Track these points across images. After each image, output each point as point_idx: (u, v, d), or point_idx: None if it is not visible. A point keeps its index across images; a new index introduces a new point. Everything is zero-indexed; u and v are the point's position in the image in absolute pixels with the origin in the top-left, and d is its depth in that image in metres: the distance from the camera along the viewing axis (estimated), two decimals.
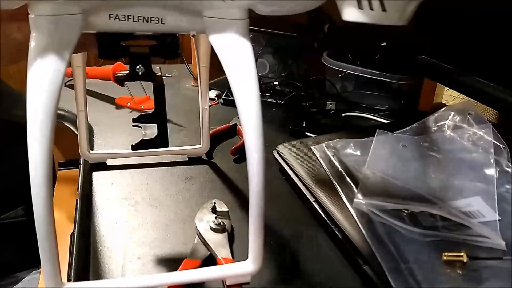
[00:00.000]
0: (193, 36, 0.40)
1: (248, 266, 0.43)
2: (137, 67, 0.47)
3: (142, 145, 0.57)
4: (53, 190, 1.11)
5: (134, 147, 0.58)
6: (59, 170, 1.11)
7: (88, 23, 0.36)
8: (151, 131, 0.57)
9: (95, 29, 0.39)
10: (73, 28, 0.35)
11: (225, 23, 0.37)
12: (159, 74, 0.53)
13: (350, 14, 0.36)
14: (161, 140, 0.56)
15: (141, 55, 0.45)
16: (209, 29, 0.38)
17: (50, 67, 0.34)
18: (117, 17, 0.37)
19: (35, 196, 0.35)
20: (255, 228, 0.42)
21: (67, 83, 0.79)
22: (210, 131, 0.70)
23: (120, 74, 0.49)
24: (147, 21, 0.37)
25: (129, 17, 0.37)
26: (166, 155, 0.68)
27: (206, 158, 0.70)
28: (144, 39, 0.42)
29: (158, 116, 0.55)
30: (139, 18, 0.37)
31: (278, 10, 0.39)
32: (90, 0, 0.35)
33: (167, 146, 0.57)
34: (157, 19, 0.38)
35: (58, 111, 0.96)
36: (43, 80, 0.34)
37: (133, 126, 0.57)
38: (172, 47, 0.43)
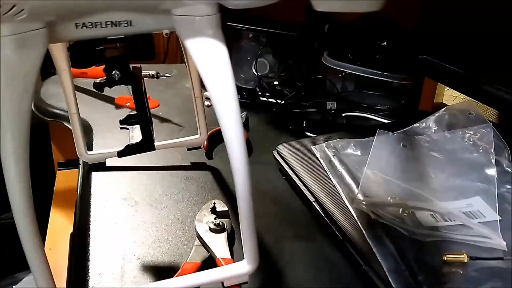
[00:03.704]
0: (166, 34, 0.40)
1: (244, 267, 0.43)
2: (113, 72, 0.46)
3: (127, 150, 0.56)
4: (53, 190, 1.11)
5: (120, 154, 0.57)
6: (59, 170, 1.10)
7: (55, 35, 0.36)
8: (139, 132, 0.56)
9: (64, 40, 0.38)
10: (38, 44, 0.34)
11: (193, 20, 0.37)
12: (139, 74, 0.51)
13: (322, 4, 0.35)
14: (146, 144, 0.55)
15: (116, 60, 0.44)
16: (178, 27, 0.37)
17: (19, 87, 0.34)
18: (84, 25, 0.36)
19: (14, 208, 0.35)
20: (247, 230, 0.42)
21: None
22: (210, 131, 0.69)
23: (98, 81, 0.48)
24: (116, 25, 0.37)
25: (97, 23, 0.36)
26: (165, 148, 0.68)
27: (206, 158, 0.70)
28: (116, 42, 0.41)
29: (140, 119, 0.54)
30: (107, 23, 0.37)
31: (247, 3, 0.39)
32: (50, 14, 0.34)
33: (153, 149, 0.56)
34: (125, 22, 0.37)
35: (58, 111, 0.96)
36: (13, 101, 0.34)
37: (121, 128, 0.56)
38: (145, 48, 0.42)
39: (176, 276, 0.45)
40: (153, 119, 0.82)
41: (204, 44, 0.37)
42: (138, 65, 0.51)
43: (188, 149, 0.69)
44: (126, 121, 0.55)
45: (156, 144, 0.64)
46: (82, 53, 0.41)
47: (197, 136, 0.68)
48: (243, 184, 0.40)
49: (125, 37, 0.40)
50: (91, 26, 0.36)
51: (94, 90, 0.50)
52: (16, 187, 0.35)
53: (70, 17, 0.36)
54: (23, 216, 0.36)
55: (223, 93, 0.38)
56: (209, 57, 0.37)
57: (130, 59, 0.44)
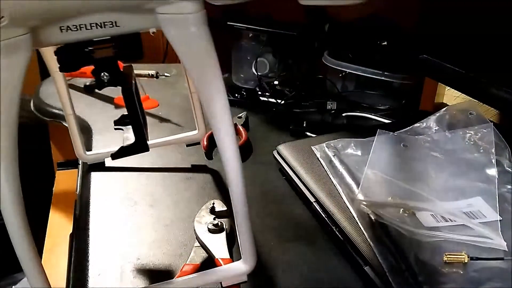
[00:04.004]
0: (153, 33, 0.39)
1: (241, 267, 0.43)
2: (101, 74, 0.45)
3: (121, 153, 0.55)
4: (52, 191, 1.10)
5: (113, 156, 0.56)
6: (58, 170, 1.10)
7: (39, 40, 0.35)
8: (132, 133, 0.55)
9: (49, 44, 0.37)
10: (22, 50, 0.34)
11: (178, 18, 0.36)
12: (130, 74, 0.50)
13: None
14: (139, 145, 0.54)
15: (103, 61, 0.43)
16: (163, 26, 0.37)
17: (5, 94, 0.33)
18: (69, 29, 0.36)
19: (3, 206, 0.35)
20: (243, 230, 0.42)
21: None
22: (210, 131, 0.69)
23: (89, 83, 0.47)
24: (101, 27, 0.36)
25: (81, 26, 0.36)
26: (164, 145, 0.68)
27: (206, 159, 0.70)
28: (103, 43, 0.40)
29: (132, 120, 0.53)
30: (92, 25, 0.36)
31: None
32: (32, 19, 0.34)
33: (146, 150, 0.55)
34: (110, 23, 0.36)
35: (57, 111, 0.96)
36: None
37: (115, 129, 0.55)
38: (133, 48, 0.41)
39: (176, 278, 0.45)
40: (153, 119, 0.83)
41: (190, 42, 0.37)
42: (130, 65, 0.50)
43: (187, 145, 0.69)
44: (120, 122, 0.54)
45: (154, 141, 0.64)
46: (69, 56, 0.40)
47: (195, 132, 0.68)
48: (237, 186, 0.39)
49: (112, 38, 0.39)
50: (75, 29, 0.36)
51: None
52: (5, 191, 0.34)
53: (54, 21, 0.35)
54: (14, 218, 0.35)
55: (211, 92, 0.37)
56: (195, 56, 0.37)
57: (118, 60, 0.44)
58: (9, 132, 0.34)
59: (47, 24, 0.35)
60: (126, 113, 0.55)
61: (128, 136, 0.55)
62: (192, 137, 0.68)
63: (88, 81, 0.47)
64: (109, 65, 0.44)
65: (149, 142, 0.56)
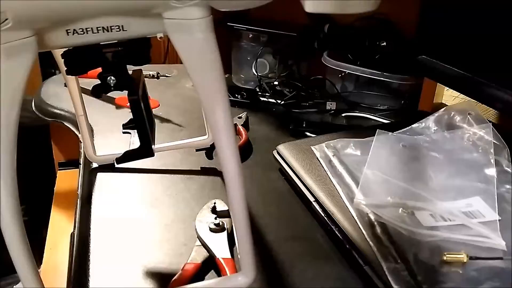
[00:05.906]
0: (161, 38, 0.39)
1: (241, 280, 0.43)
2: (108, 78, 0.44)
3: (125, 157, 0.55)
4: (53, 190, 1.10)
5: (118, 161, 0.56)
6: (59, 170, 1.11)
7: (45, 43, 0.35)
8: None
9: (55, 47, 0.37)
10: (27, 52, 0.33)
11: (184, 23, 0.36)
12: (138, 79, 0.49)
13: (312, 5, 0.35)
14: (144, 150, 0.54)
15: (111, 65, 0.42)
16: (170, 31, 0.37)
17: (7, 96, 0.33)
18: (75, 32, 0.35)
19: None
20: (243, 243, 0.41)
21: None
22: None
23: (97, 86, 0.47)
24: (108, 31, 0.36)
25: (88, 29, 0.35)
26: (174, 149, 0.68)
27: (206, 158, 0.70)
28: (110, 47, 0.40)
29: (137, 124, 0.52)
30: (98, 29, 0.36)
31: (237, 4, 0.38)
32: (37, 21, 0.33)
33: (151, 155, 0.55)
34: (117, 27, 0.36)
35: (58, 111, 0.96)
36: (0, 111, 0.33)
37: (123, 132, 0.55)
38: (139, 52, 0.41)
39: (177, 277, 0.45)
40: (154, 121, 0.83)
41: (195, 48, 0.36)
42: (140, 69, 0.50)
43: (197, 150, 0.69)
44: (128, 126, 0.54)
45: (164, 145, 0.64)
46: (76, 60, 0.40)
47: (205, 137, 0.67)
48: (238, 202, 0.39)
49: (120, 42, 0.39)
50: (82, 32, 0.35)
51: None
52: (2, 194, 0.35)
53: (60, 24, 0.35)
54: (10, 220, 0.36)
55: (212, 98, 0.37)
56: (199, 62, 0.37)
57: (125, 64, 0.44)
58: (8, 135, 0.34)
59: (53, 27, 0.35)
60: (129, 112, 0.55)
61: (134, 140, 0.54)
62: (201, 142, 0.68)
63: (87, 81, 0.47)
64: (117, 69, 0.44)
65: (158, 146, 0.55)
